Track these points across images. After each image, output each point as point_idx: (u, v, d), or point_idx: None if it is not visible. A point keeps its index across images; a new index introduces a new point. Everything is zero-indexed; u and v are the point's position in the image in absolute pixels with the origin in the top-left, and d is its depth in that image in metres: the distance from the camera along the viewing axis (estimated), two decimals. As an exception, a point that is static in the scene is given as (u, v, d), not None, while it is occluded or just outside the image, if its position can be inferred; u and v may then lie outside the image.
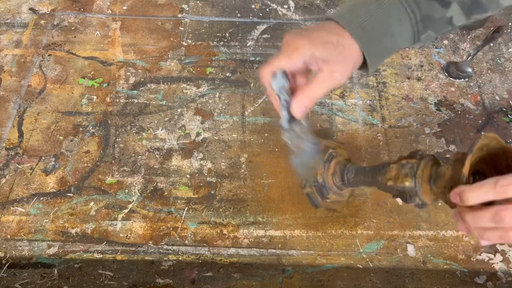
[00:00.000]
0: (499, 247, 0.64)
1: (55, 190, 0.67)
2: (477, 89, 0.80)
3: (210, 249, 0.63)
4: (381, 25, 0.45)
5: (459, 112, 0.77)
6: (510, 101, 0.78)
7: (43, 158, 0.70)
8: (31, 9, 0.90)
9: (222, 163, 0.71)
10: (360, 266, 0.62)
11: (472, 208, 0.39)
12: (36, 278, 0.60)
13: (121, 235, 0.64)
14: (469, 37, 0.87)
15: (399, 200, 0.67)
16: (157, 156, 0.71)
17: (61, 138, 0.73)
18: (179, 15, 0.89)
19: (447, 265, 0.62)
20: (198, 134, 0.74)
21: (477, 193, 0.38)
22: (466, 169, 0.39)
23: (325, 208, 0.64)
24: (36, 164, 0.70)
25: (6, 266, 0.61)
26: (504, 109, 0.77)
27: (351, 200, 0.67)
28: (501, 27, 0.86)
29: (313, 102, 0.46)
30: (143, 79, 0.80)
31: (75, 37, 0.85)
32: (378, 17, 0.45)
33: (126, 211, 0.66)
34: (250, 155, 0.72)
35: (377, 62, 0.47)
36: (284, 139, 0.50)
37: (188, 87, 0.79)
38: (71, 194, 0.67)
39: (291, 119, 0.48)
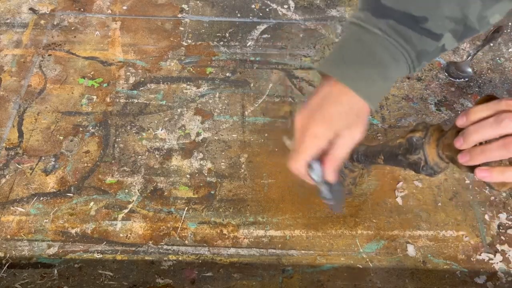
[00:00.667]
0: (499, 247, 0.64)
1: (55, 190, 0.67)
2: (477, 89, 0.80)
3: (210, 249, 0.63)
4: (380, 76, 0.45)
5: (459, 112, 0.77)
6: (510, 101, 0.78)
7: (43, 158, 0.70)
8: (31, 9, 0.90)
9: (222, 163, 0.71)
10: (360, 266, 0.62)
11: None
12: (36, 278, 0.60)
13: (121, 235, 0.64)
14: (469, 37, 0.87)
15: (399, 200, 0.67)
16: (157, 156, 0.71)
17: (61, 138, 0.73)
18: (179, 15, 0.89)
19: (447, 265, 0.62)
20: (198, 134, 0.74)
21: (482, 108, 0.40)
22: (479, 101, 0.43)
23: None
24: (36, 164, 0.70)
25: (6, 266, 0.61)
26: (504, 109, 0.77)
27: (351, 200, 0.67)
28: (501, 27, 0.86)
29: (340, 163, 0.47)
30: (143, 79, 0.80)
31: (75, 37, 0.85)
32: (377, 69, 0.44)
33: (126, 211, 0.66)
34: (250, 155, 0.72)
35: (378, 102, 0.48)
36: (324, 198, 0.52)
37: (188, 87, 0.79)
38: (71, 194, 0.67)
39: (330, 186, 0.50)
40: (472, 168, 0.43)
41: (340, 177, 0.60)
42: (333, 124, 0.44)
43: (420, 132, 0.49)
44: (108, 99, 0.77)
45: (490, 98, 0.42)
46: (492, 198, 0.68)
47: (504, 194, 0.68)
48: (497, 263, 0.62)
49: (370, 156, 0.58)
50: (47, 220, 0.65)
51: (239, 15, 0.90)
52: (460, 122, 0.42)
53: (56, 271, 0.61)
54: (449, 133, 0.45)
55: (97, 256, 0.62)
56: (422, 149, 0.48)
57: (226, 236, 0.64)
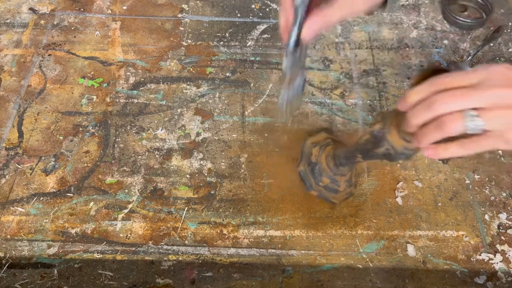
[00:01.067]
0: (499, 247, 0.64)
1: (55, 190, 0.67)
2: (477, 89, 0.79)
3: (210, 249, 0.63)
4: None
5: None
6: (510, 101, 0.78)
7: (43, 158, 0.70)
8: (31, 9, 0.90)
9: (222, 163, 0.71)
10: (360, 266, 0.62)
11: None
12: (36, 278, 0.60)
13: (121, 235, 0.64)
14: (469, 37, 0.87)
15: (399, 200, 0.67)
16: (157, 156, 0.71)
17: (61, 138, 0.73)
18: (179, 15, 0.89)
19: (447, 265, 0.62)
20: (198, 134, 0.74)
21: (418, 90, 0.41)
22: (413, 82, 0.44)
23: (318, 195, 0.65)
24: (36, 164, 0.70)
25: (6, 266, 0.61)
26: (504, 109, 0.77)
27: (351, 200, 0.67)
28: (501, 27, 0.86)
29: (327, 27, 0.44)
30: (143, 79, 0.80)
31: (75, 37, 0.85)
32: None
33: (126, 211, 0.66)
34: (250, 155, 0.72)
35: None
36: (284, 64, 0.49)
37: (188, 87, 0.79)
38: (71, 194, 0.67)
39: (297, 41, 0.46)
40: None
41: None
42: None
43: (379, 124, 0.49)
44: (108, 99, 0.77)
45: (431, 73, 0.43)
46: (492, 198, 0.68)
47: (504, 194, 0.68)
48: (497, 263, 0.62)
49: (349, 157, 0.59)
50: (47, 220, 0.65)
51: (239, 15, 0.90)
52: (400, 106, 0.43)
53: (56, 271, 0.61)
54: (404, 117, 0.46)
55: (97, 256, 0.62)
56: (385, 139, 0.48)
57: (226, 236, 0.64)
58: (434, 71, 0.43)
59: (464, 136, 0.40)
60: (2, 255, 0.62)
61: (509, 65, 0.40)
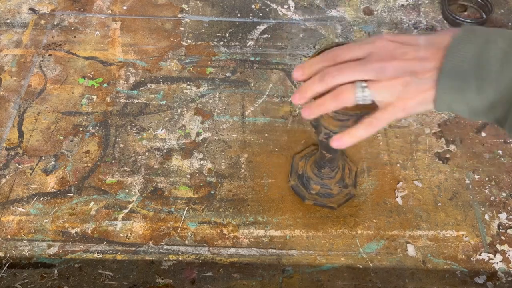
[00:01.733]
0: (499, 247, 0.64)
1: (55, 190, 0.67)
2: (477, 89, 0.79)
3: (210, 249, 0.63)
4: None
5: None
6: (510, 101, 0.78)
7: (43, 158, 0.71)
8: (31, 9, 0.90)
9: (222, 163, 0.71)
10: (360, 266, 0.62)
11: None
12: (36, 278, 0.60)
13: (121, 235, 0.64)
14: (469, 37, 0.87)
15: (399, 200, 0.67)
16: (157, 156, 0.71)
17: (61, 138, 0.73)
18: (179, 15, 0.89)
19: (447, 265, 0.62)
20: (198, 134, 0.74)
21: (314, 61, 0.43)
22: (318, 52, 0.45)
23: (315, 204, 0.65)
24: (36, 164, 0.70)
25: (6, 266, 0.61)
26: (504, 109, 0.77)
27: (351, 200, 0.67)
28: (501, 27, 0.86)
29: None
30: (143, 79, 0.80)
31: (75, 37, 0.85)
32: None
33: (126, 211, 0.66)
34: (250, 155, 0.72)
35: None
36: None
37: (188, 87, 0.79)
38: (71, 194, 0.67)
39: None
40: None
41: (322, 188, 0.64)
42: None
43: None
44: (108, 99, 0.77)
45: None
46: (492, 198, 0.68)
47: (504, 194, 0.68)
48: (497, 263, 0.62)
49: (322, 157, 0.60)
50: (47, 220, 0.65)
51: (239, 15, 0.90)
52: (296, 75, 0.44)
53: (56, 271, 0.61)
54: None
55: (97, 256, 0.62)
56: (321, 125, 0.50)
57: (226, 236, 0.64)
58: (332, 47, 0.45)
59: (363, 117, 0.42)
60: (2, 255, 0.62)
61: (391, 36, 0.41)
